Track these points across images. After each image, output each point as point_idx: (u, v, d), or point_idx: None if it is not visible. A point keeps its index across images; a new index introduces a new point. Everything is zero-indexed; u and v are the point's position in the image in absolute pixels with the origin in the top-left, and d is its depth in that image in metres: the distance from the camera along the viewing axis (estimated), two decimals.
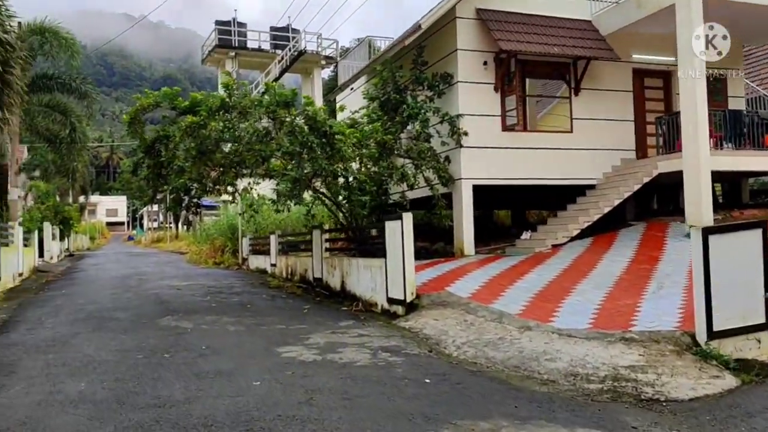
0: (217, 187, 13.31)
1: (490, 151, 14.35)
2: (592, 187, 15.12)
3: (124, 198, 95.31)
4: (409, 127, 14.68)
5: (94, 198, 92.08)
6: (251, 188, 14.05)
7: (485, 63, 14.33)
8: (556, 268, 11.22)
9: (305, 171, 11.42)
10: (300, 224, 22.87)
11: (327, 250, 13.69)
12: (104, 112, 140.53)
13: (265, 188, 14.76)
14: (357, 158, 12.40)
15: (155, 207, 71.30)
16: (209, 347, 7.27)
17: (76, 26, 21.24)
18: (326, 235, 13.77)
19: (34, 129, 22.38)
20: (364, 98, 14.94)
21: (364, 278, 11.03)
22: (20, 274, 16.95)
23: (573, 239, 13.75)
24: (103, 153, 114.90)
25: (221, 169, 12.70)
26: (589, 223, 13.94)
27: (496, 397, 5.13)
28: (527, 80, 15.28)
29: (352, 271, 11.67)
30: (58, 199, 44.20)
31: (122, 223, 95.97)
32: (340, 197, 12.77)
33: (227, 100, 12.04)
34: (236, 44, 39.85)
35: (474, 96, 14.44)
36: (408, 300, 9.44)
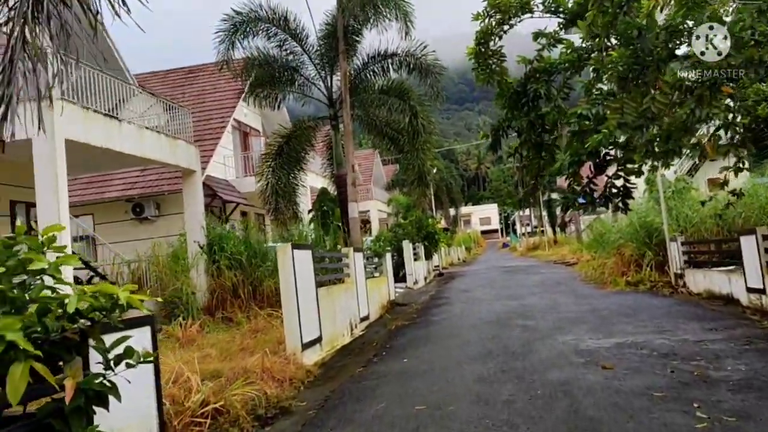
0: (672, 143, 6.01)
1: None
2: None
3: (494, 206, 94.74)
4: None
5: (467, 209, 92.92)
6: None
7: None
8: None
9: None
10: (761, 214, 13.82)
11: None
12: (469, 127, 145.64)
13: None
14: None
15: (526, 211, 66.69)
16: None
17: (438, 52, 17.24)
18: None
19: (371, 124, 18.21)
20: None
21: None
22: (364, 318, 12.21)
23: None
24: (472, 165, 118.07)
25: (687, 96, 5.42)
26: None
27: None
28: None
29: None
30: (432, 214, 41.97)
31: (495, 231, 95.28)
32: None
33: None
34: None
35: None
36: None
